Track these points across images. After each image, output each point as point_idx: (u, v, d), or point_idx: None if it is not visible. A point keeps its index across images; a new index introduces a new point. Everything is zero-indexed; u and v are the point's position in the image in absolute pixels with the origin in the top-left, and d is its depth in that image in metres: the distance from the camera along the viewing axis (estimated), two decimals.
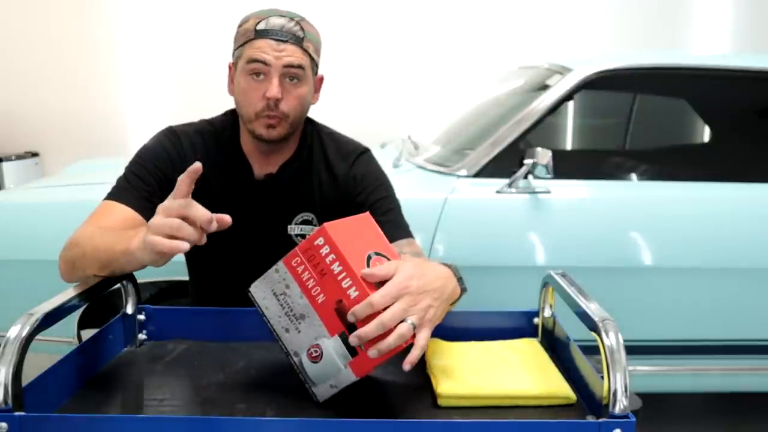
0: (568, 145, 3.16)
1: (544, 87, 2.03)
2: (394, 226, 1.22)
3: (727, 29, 4.54)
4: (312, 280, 0.85)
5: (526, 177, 1.84)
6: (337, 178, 1.29)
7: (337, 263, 0.84)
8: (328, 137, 1.34)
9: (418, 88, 4.46)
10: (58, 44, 4.52)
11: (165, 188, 1.22)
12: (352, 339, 0.82)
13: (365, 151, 1.34)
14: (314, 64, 1.23)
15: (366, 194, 1.27)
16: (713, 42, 4.53)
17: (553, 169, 1.81)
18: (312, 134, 1.32)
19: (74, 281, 1.03)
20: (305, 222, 1.29)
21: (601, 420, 0.75)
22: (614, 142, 3.06)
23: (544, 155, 1.79)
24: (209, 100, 4.48)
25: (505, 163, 1.89)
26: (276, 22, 1.17)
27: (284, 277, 0.87)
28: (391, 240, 1.13)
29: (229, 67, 1.26)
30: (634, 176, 2.49)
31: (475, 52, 4.44)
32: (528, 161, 1.82)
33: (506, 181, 1.86)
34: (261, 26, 1.17)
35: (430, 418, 0.84)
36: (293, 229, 1.28)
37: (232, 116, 1.32)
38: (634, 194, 1.99)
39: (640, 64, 2.08)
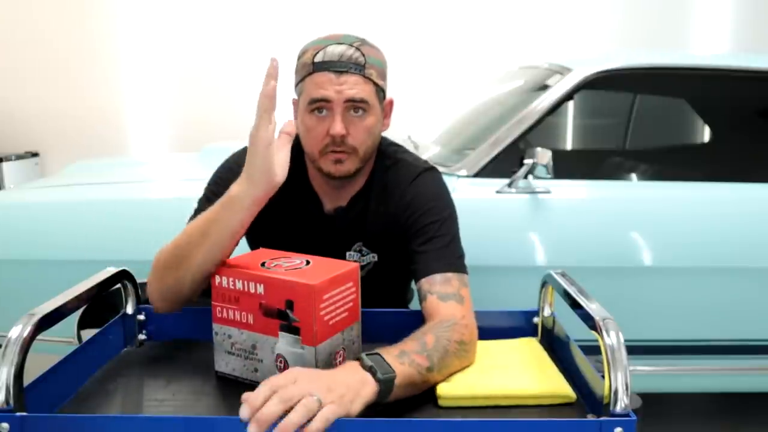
0: (568, 145, 3.16)
1: (544, 87, 2.03)
2: (433, 258, 1.12)
3: (727, 29, 4.54)
4: (237, 312, 0.93)
5: (526, 177, 1.84)
6: (391, 207, 1.22)
7: (238, 280, 0.92)
8: (393, 162, 1.25)
9: (418, 88, 4.46)
10: (58, 44, 4.52)
11: None
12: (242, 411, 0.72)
13: (422, 172, 1.24)
14: (380, 90, 1.16)
15: (412, 220, 1.18)
16: (713, 42, 4.53)
17: (553, 169, 1.81)
18: (383, 160, 1.25)
19: (170, 295, 1.01)
20: (358, 251, 1.25)
21: (602, 419, 0.75)
22: (614, 142, 3.06)
23: (544, 155, 1.79)
24: (209, 100, 4.54)
25: (505, 163, 1.89)
26: (334, 51, 1.11)
27: (223, 331, 0.95)
28: (424, 275, 1.10)
29: (293, 103, 1.21)
30: (634, 176, 2.49)
31: (475, 52, 4.44)
32: (528, 161, 1.82)
33: (506, 181, 1.85)
34: (318, 58, 1.11)
35: (430, 417, 0.84)
36: (351, 256, 1.25)
37: (297, 148, 1.24)
38: (634, 194, 1.99)
39: (640, 64, 2.07)
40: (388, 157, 1.26)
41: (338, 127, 1.11)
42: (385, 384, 0.82)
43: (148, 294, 1.03)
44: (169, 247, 1.00)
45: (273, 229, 1.05)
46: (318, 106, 1.12)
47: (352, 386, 0.80)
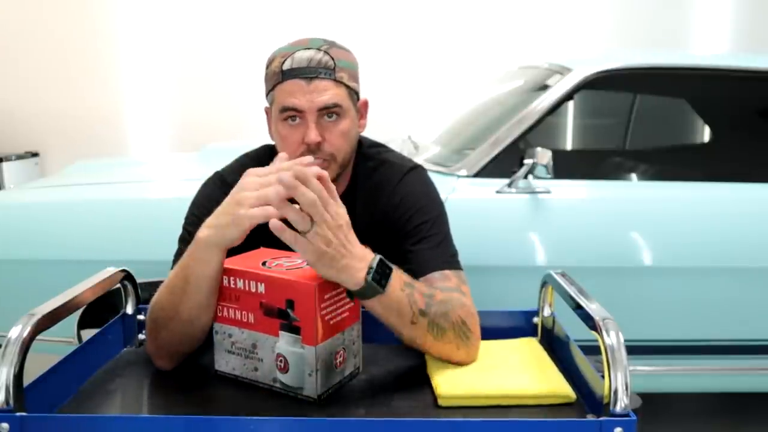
0: (568, 145, 3.16)
1: (544, 87, 2.03)
2: (428, 257, 1.11)
3: (727, 29, 4.54)
4: (237, 311, 0.93)
5: (526, 177, 1.84)
6: (379, 207, 1.20)
7: (239, 279, 0.92)
8: (378, 163, 1.24)
9: (418, 88, 4.46)
10: (58, 44, 4.53)
11: None
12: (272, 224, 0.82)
13: (409, 171, 1.23)
14: (352, 92, 1.15)
15: (403, 221, 1.17)
16: (713, 42, 4.53)
17: (553, 169, 1.81)
18: (366, 162, 1.24)
19: (167, 351, 0.98)
20: None
21: (602, 418, 0.75)
22: (614, 142, 3.06)
23: (544, 155, 1.79)
24: (209, 100, 4.54)
25: (505, 163, 1.89)
26: (302, 56, 1.09)
27: (223, 330, 0.95)
28: (421, 274, 1.08)
29: (266, 111, 1.19)
30: (634, 176, 2.50)
31: (475, 52, 4.44)
32: (528, 161, 1.82)
33: (506, 181, 1.85)
34: (287, 65, 1.09)
35: (430, 417, 0.85)
36: None
37: (272, 153, 1.23)
38: (634, 194, 1.99)
39: (640, 64, 2.07)
40: (372, 159, 1.24)
41: (312, 135, 1.09)
42: (373, 280, 0.86)
43: (148, 353, 1.01)
44: (155, 305, 0.97)
45: (261, 242, 1.05)
46: (290, 114, 1.10)
47: (356, 254, 0.85)
